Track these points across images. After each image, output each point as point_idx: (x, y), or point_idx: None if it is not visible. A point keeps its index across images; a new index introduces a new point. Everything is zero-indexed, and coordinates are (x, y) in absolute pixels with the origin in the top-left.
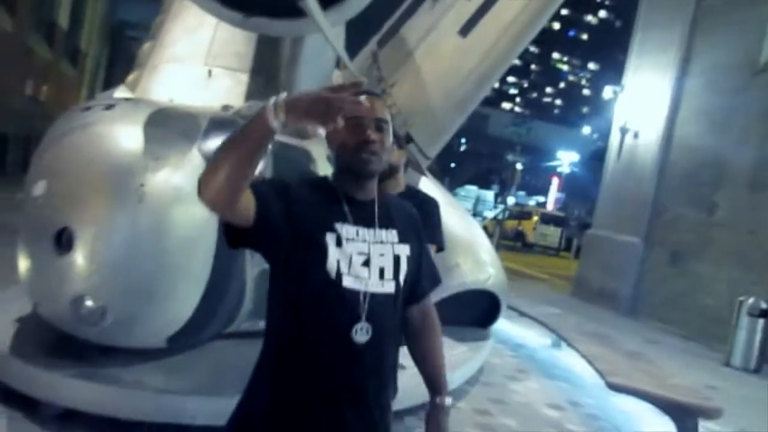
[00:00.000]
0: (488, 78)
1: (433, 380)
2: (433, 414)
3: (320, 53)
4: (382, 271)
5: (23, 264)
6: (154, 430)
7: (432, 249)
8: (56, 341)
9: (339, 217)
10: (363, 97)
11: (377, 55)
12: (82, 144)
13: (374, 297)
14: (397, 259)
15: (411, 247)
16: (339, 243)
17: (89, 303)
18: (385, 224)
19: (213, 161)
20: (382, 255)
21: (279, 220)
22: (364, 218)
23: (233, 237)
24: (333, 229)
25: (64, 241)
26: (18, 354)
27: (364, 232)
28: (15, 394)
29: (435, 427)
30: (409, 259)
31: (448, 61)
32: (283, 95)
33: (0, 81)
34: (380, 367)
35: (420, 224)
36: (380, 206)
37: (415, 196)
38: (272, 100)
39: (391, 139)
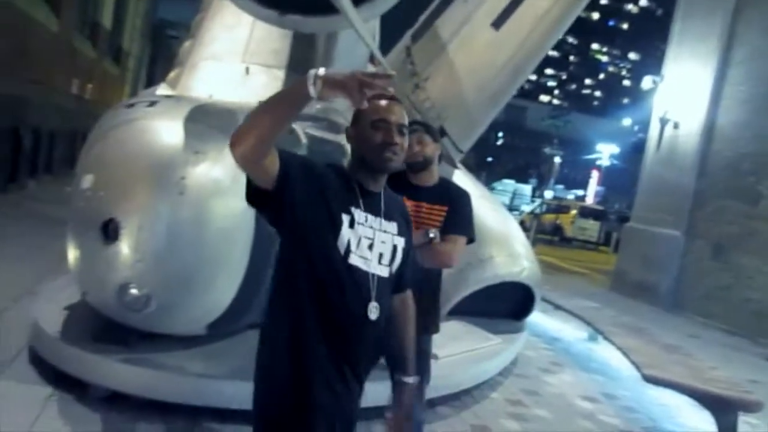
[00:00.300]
0: (522, 70)
1: (402, 361)
2: (400, 392)
3: (354, 48)
4: (380, 257)
5: (72, 254)
6: (194, 412)
7: (463, 241)
8: (103, 328)
9: (353, 202)
10: (384, 102)
11: (411, 50)
12: (126, 139)
13: (379, 279)
14: (394, 249)
15: (405, 240)
16: (352, 224)
17: (134, 291)
18: (388, 216)
19: (250, 119)
20: (383, 242)
21: (298, 188)
22: (372, 208)
23: (254, 195)
24: (348, 211)
25: (110, 232)
26: (68, 339)
27: (371, 219)
28: (65, 377)
29: (399, 404)
30: (403, 251)
31: (481, 54)
32: (322, 69)
33: (48, 80)
34: (374, 344)
35: (410, 220)
36: (384, 199)
37: (447, 188)
38: (312, 71)
39: (407, 143)
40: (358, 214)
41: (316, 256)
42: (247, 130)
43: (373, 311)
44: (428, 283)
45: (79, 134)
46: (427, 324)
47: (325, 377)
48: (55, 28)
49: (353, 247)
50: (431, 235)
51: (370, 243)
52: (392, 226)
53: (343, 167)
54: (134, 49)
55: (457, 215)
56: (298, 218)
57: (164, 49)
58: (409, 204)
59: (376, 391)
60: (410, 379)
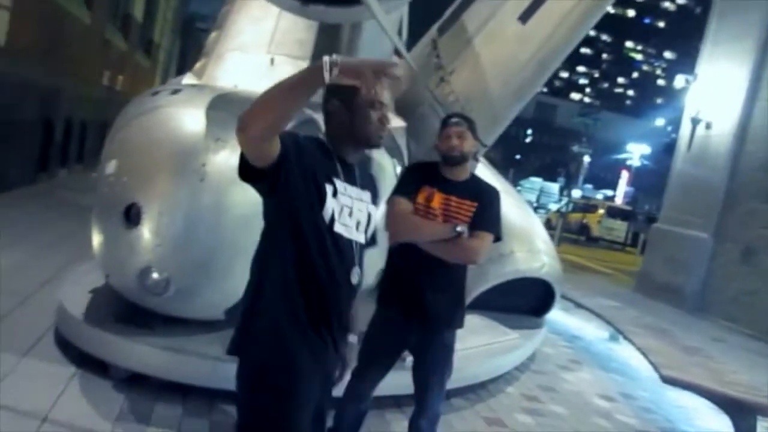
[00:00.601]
0: (548, 65)
1: (348, 321)
2: (346, 348)
3: (378, 39)
4: (358, 224)
5: (96, 238)
6: (211, 395)
7: (490, 238)
8: (126, 310)
9: (335, 173)
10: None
11: (437, 43)
12: (149, 126)
13: (360, 245)
14: (369, 217)
15: (376, 209)
16: (335, 194)
17: (155, 275)
18: (363, 185)
19: (262, 103)
20: (360, 211)
21: (293, 167)
22: (350, 177)
23: (248, 171)
24: (332, 182)
25: (132, 216)
26: (91, 321)
27: (350, 189)
28: (88, 358)
29: (344, 359)
30: (373, 219)
31: (507, 48)
32: (336, 56)
33: (80, 72)
34: (351, 308)
35: (378, 193)
36: (358, 170)
37: (478, 184)
38: (327, 57)
39: None
40: (340, 184)
41: (304, 226)
42: (259, 114)
43: (355, 276)
44: (453, 279)
45: (109, 125)
46: (453, 319)
47: (307, 343)
48: (88, 21)
49: (336, 216)
50: (459, 229)
51: (350, 211)
52: (366, 196)
53: (321, 139)
54: (165, 42)
55: (486, 212)
56: (290, 193)
57: (194, 42)
58: (438, 197)
59: (389, 381)
60: (354, 338)
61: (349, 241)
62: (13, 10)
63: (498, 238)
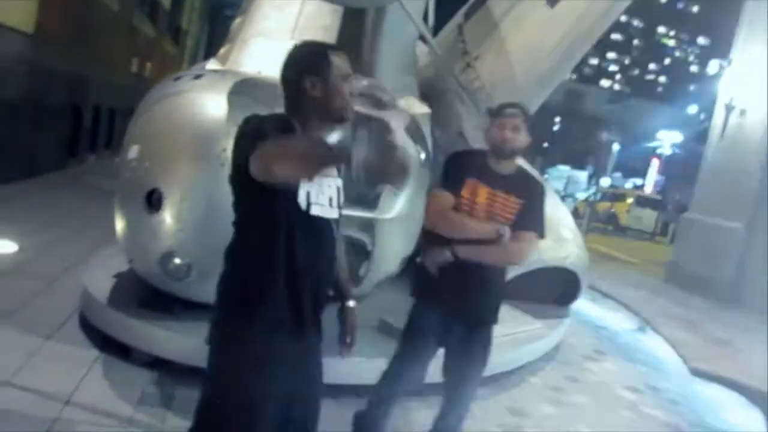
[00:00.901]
0: (576, 50)
1: (341, 289)
2: (345, 314)
3: (402, 24)
4: (330, 200)
5: (119, 223)
6: None
7: (535, 238)
8: (149, 295)
9: None
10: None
11: (463, 28)
12: (171, 111)
13: (336, 222)
14: (338, 191)
15: (342, 180)
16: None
17: (176, 260)
18: None
19: (291, 163)
20: (329, 186)
21: None
22: None
23: (241, 178)
24: None
25: (153, 202)
26: (114, 306)
27: None
28: (111, 341)
29: (348, 324)
30: (342, 191)
31: (534, 33)
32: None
33: (108, 59)
34: (338, 279)
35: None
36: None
37: (525, 179)
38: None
39: None
40: None
41: (283, 216)
42: (287, 170)
43: (336, 251)
44: (492, 277)
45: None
46: (491, 316)
47: (287, 332)
48: (116, 7)
49: (312, 198)
50: (501, 232)
51: (321, 189)
52: (332, 170)
53: (286, 117)
54: (193, 29)
55: (532, 210)
56: (273, 191)
57: (223, 29)
58: (484, 191)
59: None
60: (353, 303)
61: (327, 221)
62: None
63: (540, 236)
